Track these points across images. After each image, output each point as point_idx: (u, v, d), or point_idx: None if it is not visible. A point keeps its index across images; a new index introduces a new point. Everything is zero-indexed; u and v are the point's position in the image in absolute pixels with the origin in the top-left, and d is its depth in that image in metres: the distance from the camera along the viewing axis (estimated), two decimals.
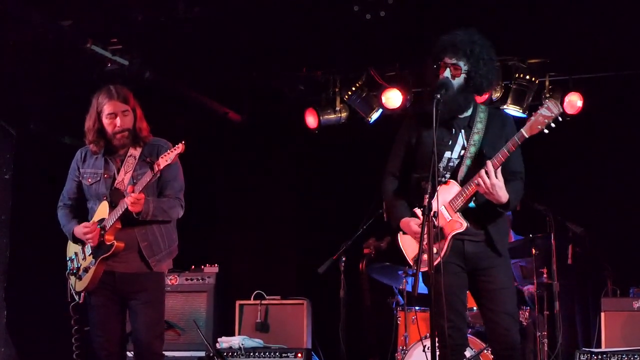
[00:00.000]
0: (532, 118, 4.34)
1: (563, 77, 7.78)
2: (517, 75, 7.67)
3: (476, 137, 4.54)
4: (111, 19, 6.74)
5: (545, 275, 7.06)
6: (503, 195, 4.38)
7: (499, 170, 4.39)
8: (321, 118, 8.33)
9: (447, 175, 4.54)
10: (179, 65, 7.63)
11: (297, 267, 8.88)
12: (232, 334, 7.46)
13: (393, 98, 8.00)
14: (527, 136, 4.34)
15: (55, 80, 7.49)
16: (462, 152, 4.55)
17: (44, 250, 7.80)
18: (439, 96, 4.35)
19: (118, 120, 4.87)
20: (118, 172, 4.92)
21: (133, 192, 4.70)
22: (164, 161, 4.64)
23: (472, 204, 4.52)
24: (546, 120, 4.29)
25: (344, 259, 7.02)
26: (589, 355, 6.47)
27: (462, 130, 4.59)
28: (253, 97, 8.57)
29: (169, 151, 4.68)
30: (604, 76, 7.69)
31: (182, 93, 8.08)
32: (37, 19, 6.49)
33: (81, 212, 5.09)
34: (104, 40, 6.96)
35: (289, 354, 7.03)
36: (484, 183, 4.34)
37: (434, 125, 4.27)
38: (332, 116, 8.35)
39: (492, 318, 4.54)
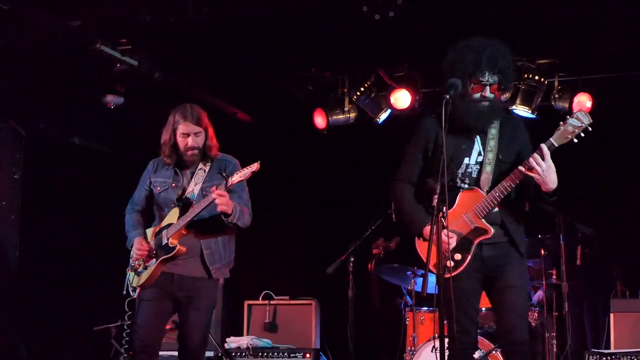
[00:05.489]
0: (561, 128, 4.38)
1: (572, 78, 7.78)
2: (526, 76, 7.66)
3: (492, 143, 4.58)
4: (120, 19, 6.75)
5: (554, 276, 7.05)
6: (555, 179, 4.41)
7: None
8: (330, 118, 8.34)
9: (467, 181, 4.57)
10: (188, 66, 7.64)
11: (306, 268, 8.88)
12: (241, 334, 7.48)
13: (402, 98, 8.00)
14: (556, 145, 4.39)
15: (64, 81, 7.50)
16: (480, 158, 4.57)
17: (53, 250, 7.83)
18: (447, 97, 4.35)
19: (190, 140, 5.16)
20: (188, 184, 5.22)
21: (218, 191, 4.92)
22: (238, 177, 4.92)
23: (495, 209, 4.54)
24: (576, 131, 4.36)
25: (352, 259, 7.02)
26: (598, 356, 6.46)
27: (478, 137, 4.61)
28: (262, 97, 8.58)
29: (244, 169, 4.95)
30: (613, 77, 7.68)
31: (191, 93, 8.09)
32: (46, 20, 6.51)
33: (147, 218, 5.38)
34: (113, 40, 6.97)
35: (297, 354, 7.04)
36: (539, 166, 4.35)
37: (444, 125, 4.26)
38: (341, 116, 8.36)
39: (500, 314, 4.57)
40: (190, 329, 5.09)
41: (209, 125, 5.27)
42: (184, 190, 5.21)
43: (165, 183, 5.25)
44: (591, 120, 4.34)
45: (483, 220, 4.50)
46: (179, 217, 5.10)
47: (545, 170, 4.35)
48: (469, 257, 4.49)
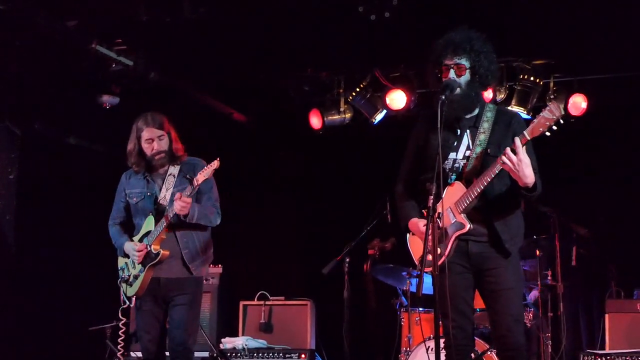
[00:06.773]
0: (535, 120, 4.27)
1: (568, 79, 7.78)
2: (521, 77, 7.66)
3: (482, 137, 4.52)
4: (116, 19, 6.75)
5: (549, 277, 7.06)
6: (530, 174, 4.28)
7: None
8: (325, 119, 8.34)
9: (453, 177, 4.53)
10: (184, 66, 7.64)
11: (301, 268, 8.88)
12: (236, 335, 7.47)
13: (397, 99, 8.00)
14: (529, 138, 4.28)
15: (60, 81, 7.50)
16: (468, 152, 4.53)
17: (48, 250, 7.82)
18: (443, 97, 4.35)
19: (155, 144, 5.46)
20: (160, 190, 5.50)
21: (181, 198, 5.24)
22: (202, 176, 5.21)
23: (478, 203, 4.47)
24: (547, 123, 4.23)
25: (348, 259, 7.01)
26: (593, 357, 6.47)
27: (468, 131, 4.57)
28: (258, 98, 8.58)
29: (205, 167, 5.24)
30: (609, 77, 7.69)
31: (187, 93, 8.09)
32: (42, 20, 6.50)
33: (129, 228, 5.63)
34: (109, 40, 6.97)
35: (292, 355, 7.05)
36: (510, 160, 4.24)
37: (439, 126, 4.27)
38: (337, 117, 8.36)
39: (495, 318, 4.53)
40: (176, 325, 5.34)
41: (172, 129, 5.56)
42: (156, 197, 5.48)
43: (141, 193, 5.52)
44: (563, 113, 4.25)
45: (462, 215, 4.47)
46: (155, 224, 5.37)
47: (517, 164, 4.25)
48: (447, 250, 4.46)
